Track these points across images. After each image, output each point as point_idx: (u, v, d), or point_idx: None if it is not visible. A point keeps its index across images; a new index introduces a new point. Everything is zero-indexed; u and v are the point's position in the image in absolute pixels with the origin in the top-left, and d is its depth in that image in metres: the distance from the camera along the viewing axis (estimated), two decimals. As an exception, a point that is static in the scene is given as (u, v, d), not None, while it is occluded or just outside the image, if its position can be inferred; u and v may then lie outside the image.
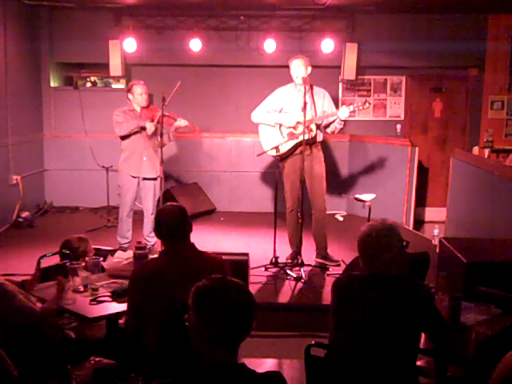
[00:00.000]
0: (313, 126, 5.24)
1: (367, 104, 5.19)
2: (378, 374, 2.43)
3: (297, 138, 5.24)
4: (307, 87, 5.07)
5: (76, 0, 7.20)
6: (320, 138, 5.42)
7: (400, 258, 2.56)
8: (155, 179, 5.66)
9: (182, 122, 5.56)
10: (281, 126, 5.32)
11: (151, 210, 5.64)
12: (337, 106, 5.47)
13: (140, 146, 5.59)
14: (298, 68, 5.16)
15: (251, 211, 7.77)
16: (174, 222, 2.86)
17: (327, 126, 5.38)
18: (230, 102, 7.98)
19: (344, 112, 5.13)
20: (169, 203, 3.11)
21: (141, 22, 7.73)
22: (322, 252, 5.47)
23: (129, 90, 5.65)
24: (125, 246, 5.58)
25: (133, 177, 5.64)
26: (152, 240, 5.67)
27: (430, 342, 2.74)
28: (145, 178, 5.65)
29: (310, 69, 5.23)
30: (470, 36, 7.63)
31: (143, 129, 5.52)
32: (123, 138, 5.60)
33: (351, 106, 5.17)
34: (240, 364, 1.84)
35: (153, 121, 5.51)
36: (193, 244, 2.91)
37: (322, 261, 5.44)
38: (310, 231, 5.48)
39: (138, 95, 5.56)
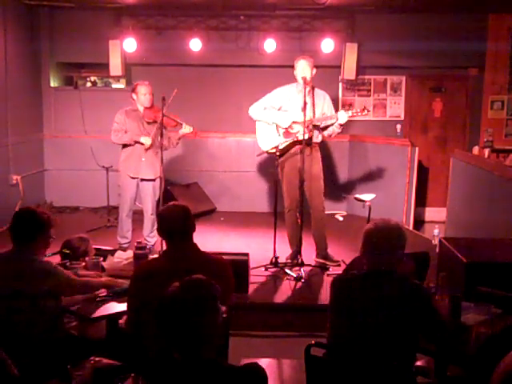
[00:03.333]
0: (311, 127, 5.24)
1: (365, 111, 5.26)
2: (376, 373, 2.44)
3: (291, 136, 5.25)
4: (309, 88, 5.08)
5: (76, 0, 7.20)
6: (318, 139, 5.43)
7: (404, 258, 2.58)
8: (154, 180, 5.67)
9: (187, 129, 5.55)
10: (277, 125, 5.34)
11: (151, 211, 5.65)
12: (336, 107, 5.48)
13: (139, 147, 5.59)
14: (304, 69, 5.16)
15: (251, 211, 7.77)
16: (176, 221, 2.84)
17: (325, 128, 5.39)
18: (230, 102, 7.97)
19: (342, 117, 5.17)
20: (172, 202, 3.09)
21: (141, 22, 7.72)
22: (322, 252, 5.47)
23: (133, 89, 5.67)
24: (125, 245, 5.58)
25: (131, 177, 5.65)
26: (152, 240, 5.67)
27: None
28: (143, 179, 5.66)
29: (314, 70, 5.24)
30: (470, 36, 7.62)
31: (138, 143, 5.54)
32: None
33: (349, 112, 5.21)
34: (218, 360, 1.85)
35: (155, 122, 5.52)
36: (195, 244, 2.90)
37: (323, 261, 5.44)
38: (310, 231, 5.48)
39: (142, 95, 5.58)
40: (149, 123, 5.62)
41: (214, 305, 1.85)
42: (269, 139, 5.35)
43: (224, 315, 1.92)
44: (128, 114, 5.62)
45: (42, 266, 2.95)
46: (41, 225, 3.00)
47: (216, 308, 1.85)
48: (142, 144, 5.52)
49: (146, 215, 5.72)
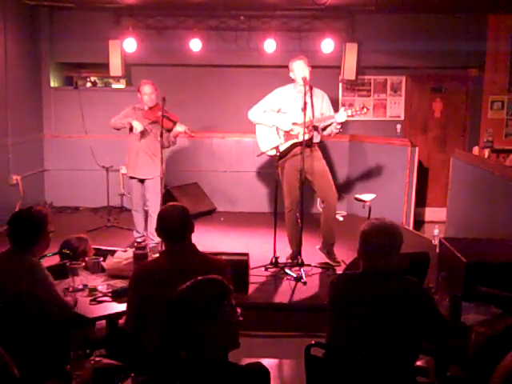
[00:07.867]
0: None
1: (365, 110, 5.16)
2: (376, 374, 2.43)
3: (292, 138, 5.25)
4: (307, 88, 5.08)
5: (76, 0, 7.20)
6: (317, 139, 5.42)
7: (401, 257, 2.57)
8: (152, 179, 5.69)
9: (179, 128, 5.62)
10: (277, 127, 5.34)
11: (153, 208, 5.69)
12: (336, 107, 5.47)
13: (136, 147, 5.69)
14: (303, 69, 5.16)
15: (251, 211, 7.77)
16: (175, 222, 2.84)
17: (324, 128, 5.38)
18: (229, 102, 7.97)
19: (341, 116, 5.14)
20: (170, 203, 3.09)
21: (141, 21, 7.72)
22: (327, 246, 5.45)
23: (138, 88, 5.72)
24: (139, 239, 5.60)
25: (131, 177, 5.76)
26: (156, 238, 5.68)
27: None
28: (141, 179, 5.73)
29: (310, 69, 5.24)
30: (470, 36, 7.62)
31: (132, 128, 5.57)
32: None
33: (349, 111, 5.17)
34: (221, 358, 1.85)
35: (155, 122, 5.54)
36: (194, 245, 2.90)
37: (325, 255, 5.42)
38: (309, 231, 5.47)
39: (145, 95, 5.65)
40: (149, 123, 5.65)
41: (226, 304, 1.86)
42: (269, 141, 5.34)
43: (240, 318, 1.92)
44: (135, 112, 5.72)
45: (29, 263, 2.91)
46: (37, 225, 2.98)
47: (225, 308, 1.85)
48: (134, 129, 5.55)
49: (149, 213, 5.79)
